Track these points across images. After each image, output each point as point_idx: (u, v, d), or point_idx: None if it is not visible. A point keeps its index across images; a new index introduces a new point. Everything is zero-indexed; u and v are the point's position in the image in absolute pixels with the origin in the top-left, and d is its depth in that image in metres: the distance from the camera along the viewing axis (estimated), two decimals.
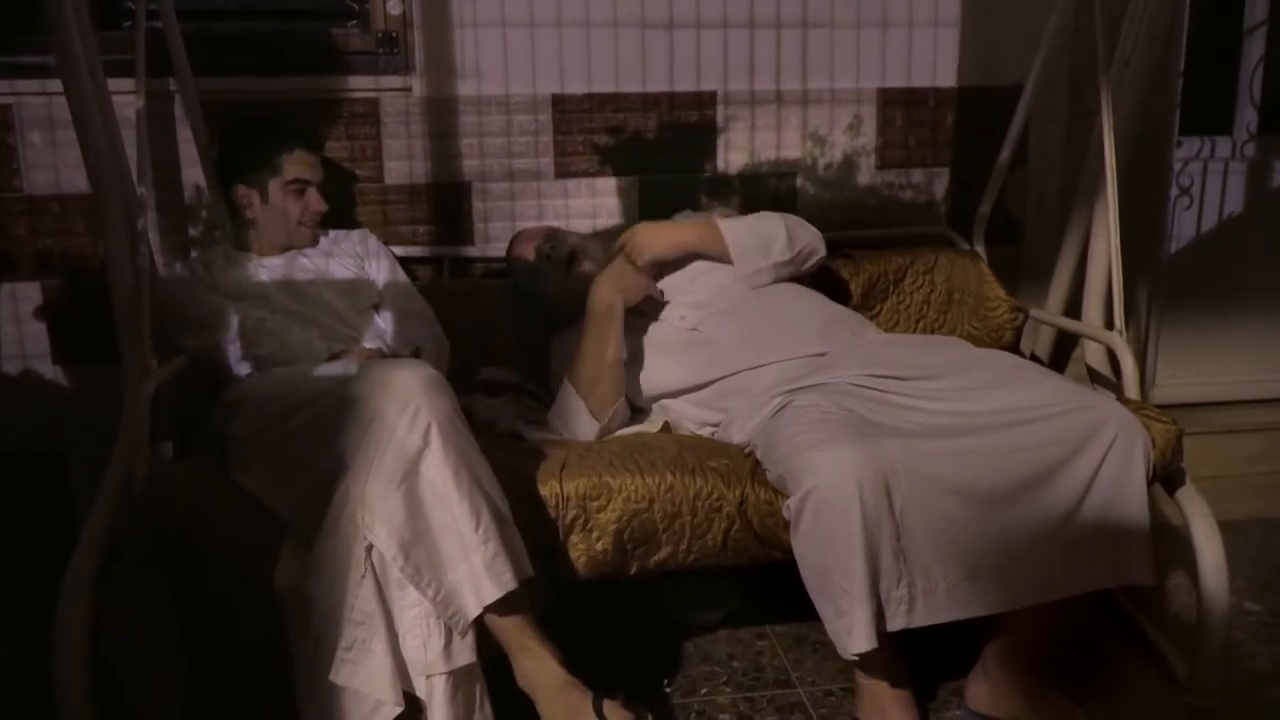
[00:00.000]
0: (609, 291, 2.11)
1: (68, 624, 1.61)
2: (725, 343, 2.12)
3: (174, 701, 1.78)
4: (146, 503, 1.75)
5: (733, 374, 2.08)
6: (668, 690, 1.98)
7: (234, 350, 2.05)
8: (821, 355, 2.05)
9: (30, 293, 2.50)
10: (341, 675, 1.53)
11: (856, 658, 1.68)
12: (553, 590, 1.79)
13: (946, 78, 2.77)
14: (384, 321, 2.24)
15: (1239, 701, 1.92)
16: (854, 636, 1.64)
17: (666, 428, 2.16)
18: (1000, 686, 1.81)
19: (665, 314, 2.21)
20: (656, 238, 2.20)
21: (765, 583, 2.17)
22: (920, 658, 1.79)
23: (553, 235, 2.32)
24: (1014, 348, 2.53)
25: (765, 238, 2.22)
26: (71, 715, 1.59)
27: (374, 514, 1.55)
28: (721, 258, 2.22)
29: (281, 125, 2.29)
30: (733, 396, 2.07)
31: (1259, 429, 2.84)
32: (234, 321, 2.07)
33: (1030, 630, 1.79)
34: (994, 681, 1.82)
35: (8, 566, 2.30)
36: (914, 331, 2.55)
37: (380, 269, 2.33)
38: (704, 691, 1.98)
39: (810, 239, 2.26)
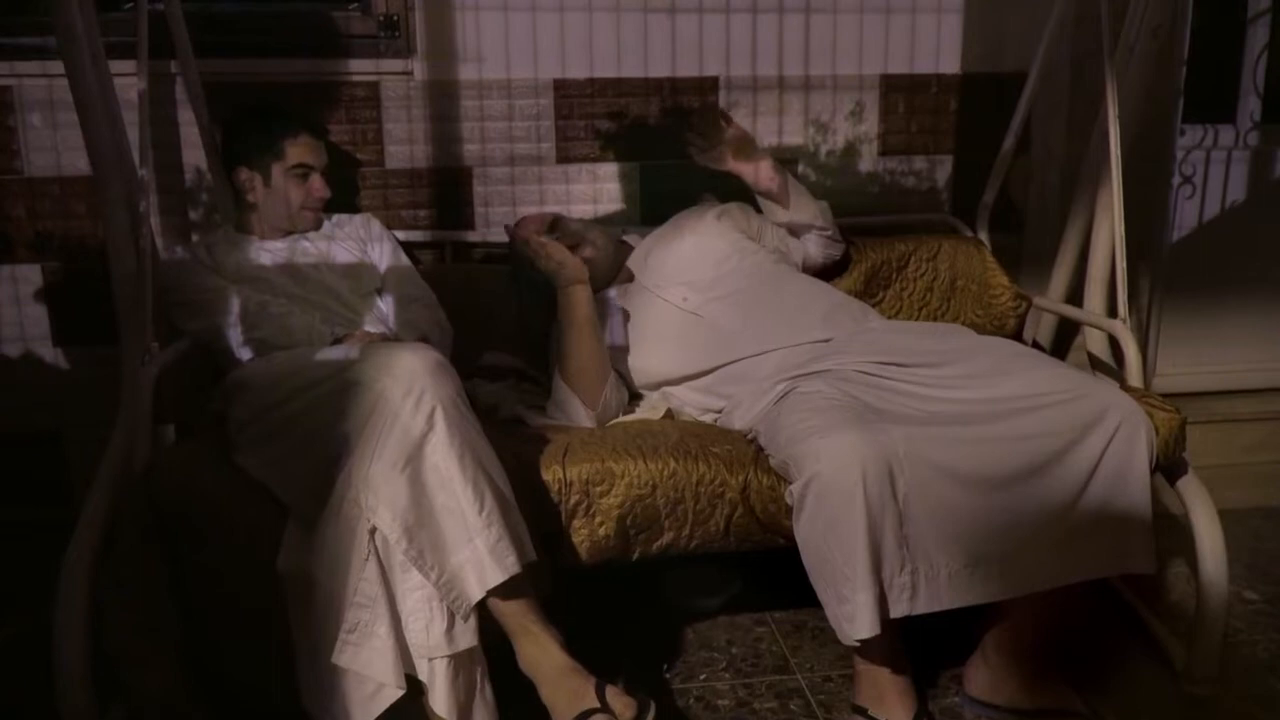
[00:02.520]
0: (563, 284, 2.09)
1: (68, 606, 1.61)
2: (728, 329, 2.12)
3: (171, 682, 1.79)
4: (147, 485, 1.75)
5: (735, 361, 2.08)
6: (667, 675, 1.98)
7: (235, 334, 2.05)
8: (824, 342, 2.05)
9: (31, 275, 2.50)
10: (344, 658, 1.54)
11: (858, 644, 1.68)
12: (554, 576, 1.79)
13: (950, 64, 2.76)
14: (386, 306, 2.24)
15: (1237, 689, 1.93)
16: (856, 623, 1.64)
17: (669, 414, 2.17)
18: (999, 673, 1.82)
19: (668, 294, 2.21)
20: (760, 162, 2.28)
21: (765, 569, 2.17)
22: (919, 644, 1.80)
23: (556, 223, 2.31)
24: (1017, 336, 2.53)
25: (822, 207, 2.39)
26: (70, 695, 1.59)
27: (378, 497, 1.55)
28: (778, 199, 2.31)
29: (287, 109, 2.28)
30: (735, 383, 2.07)
31: (1259, 418, 2.84)
32: (235, 305, 2.06)
33: (1030, 617, 1.79)
34: (993, 668, 1.83)
35: (6, 547, 2.30)
36: (917, 318, 2.55)
37: (383, 253, 2.33)
38: (703, 677, 1.99)
39: (836, 231, 2.40)
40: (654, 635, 2.12)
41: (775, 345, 2.06)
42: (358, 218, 2.39)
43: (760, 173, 2.27)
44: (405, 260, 2.37)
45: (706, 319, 2.15)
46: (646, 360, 2.18)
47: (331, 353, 1.87)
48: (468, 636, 1.59)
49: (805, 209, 2.33)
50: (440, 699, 1.57)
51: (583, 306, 2.08)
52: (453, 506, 1.57)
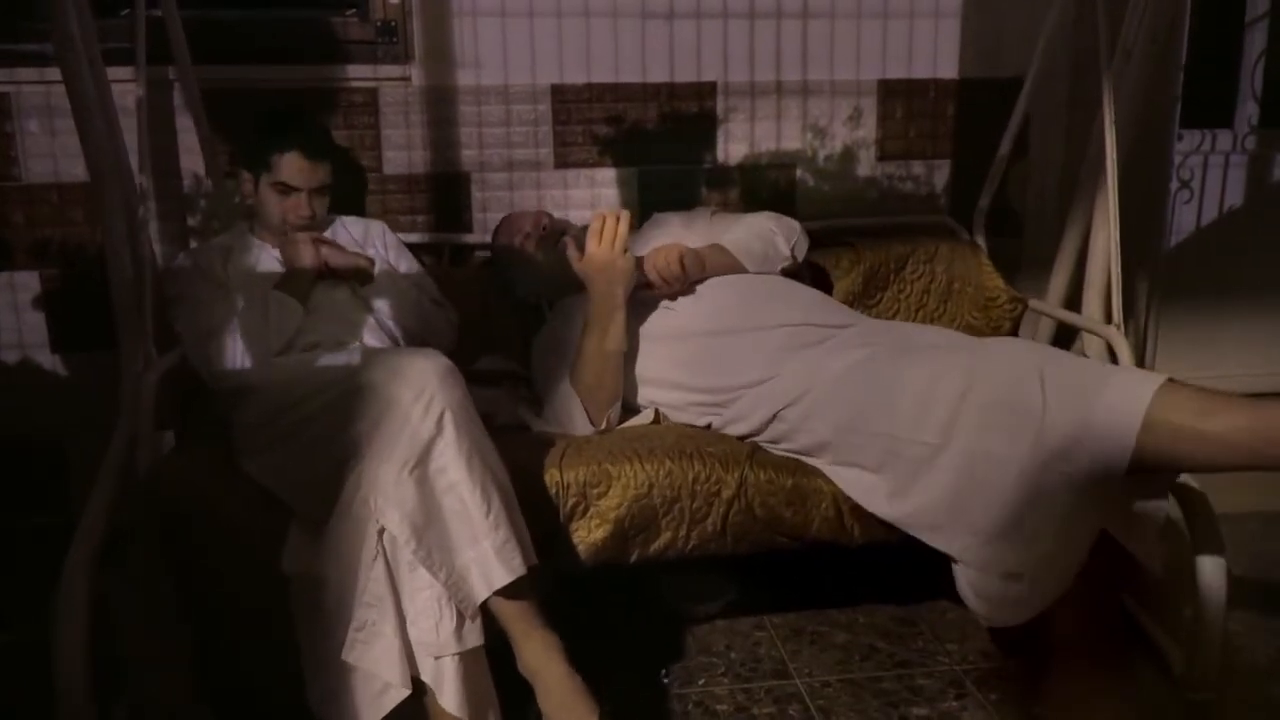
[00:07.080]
0: (605, 282, 2.04)
1: (68, 610, 1.61)
2: (716, 306, 2.11)
3: (179, 684, 1.79)
4: (150, 489, 1.76)
5: (733, 334, 2.06)
6: (666, 681, 1.98)
7: (233, 340, 2.04)
8: (844, 326, 2.06)
9: (29, 281, 2.50)
10: (353, 655, 1.55)
11: None
12: (552, 580, 1.79)
13: (948, 69, 2.76)
14: (385, 311, 2.23)
15: (1235, 695, 1.93)
16: None
17: (658, 417, 2.16)
18: (1078, 689, 1.82)
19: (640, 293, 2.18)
20: (687, 265, 2.12)
21: (763, 574, 2.17)
22: (918, 643, 1.79)
23: (553, 228, 2.30)
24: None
25: (765, 238, 2.24)
26: (70, 700, 1.59)
27: (387, 498, 1.56)
28: (735, 270, 2.20)
29: (293, 121, 2.22)
30: (726, 388, 2.05)
31: None
32: (234, 320, 2.05)
33: (1073, 622, 1.78)
34: (1068, 684, 1.83)
35: (6, 552, 2.30)
36: (914, 320, 2.55)
37: (394, 263, 2.33)
38: (701, 682, 1.98)
39: (795, 233, 2.30)
40: (651, 641, 2.12)
41: (778, 322, 2.05)
42: (374, 226, 2.38)
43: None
44: (417, 268, 2.37)
45: (693, 296, 2.14)
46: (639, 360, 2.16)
47: (334, 359, 1.89)
48: (475, 635, 1.61)
49: (757, 254, 2.23)
50: (450, 697, 1.58)
51: (617, 339, 2.05)
52: (460, 509, 1.59)
